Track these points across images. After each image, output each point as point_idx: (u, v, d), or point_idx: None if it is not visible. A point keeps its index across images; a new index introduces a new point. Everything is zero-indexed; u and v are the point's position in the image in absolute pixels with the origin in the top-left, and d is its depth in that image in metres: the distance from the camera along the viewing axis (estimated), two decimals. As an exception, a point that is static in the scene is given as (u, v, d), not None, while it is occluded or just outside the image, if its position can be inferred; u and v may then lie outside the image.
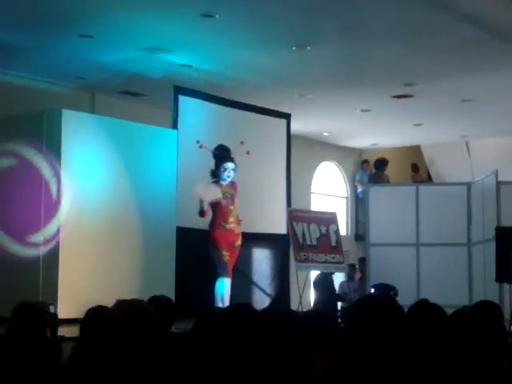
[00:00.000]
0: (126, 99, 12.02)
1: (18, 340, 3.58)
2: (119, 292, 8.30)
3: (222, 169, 10.08)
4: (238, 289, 11.02)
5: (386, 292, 9.93)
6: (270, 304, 10.98)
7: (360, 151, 17.25)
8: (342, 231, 15.12)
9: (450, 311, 5.14)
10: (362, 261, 12.81)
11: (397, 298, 10.13)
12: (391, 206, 12.33)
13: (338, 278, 13.18)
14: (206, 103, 11.10)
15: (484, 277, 10.96)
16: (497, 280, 10.11)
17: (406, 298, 7.50)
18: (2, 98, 10.25)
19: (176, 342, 2.68)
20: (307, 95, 12.20)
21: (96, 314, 3.52)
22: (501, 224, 10.44)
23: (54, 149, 8.92)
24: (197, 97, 10.90)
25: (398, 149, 17.16)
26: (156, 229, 9.78)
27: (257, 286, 11.43)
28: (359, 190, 16.75)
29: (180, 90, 10.65)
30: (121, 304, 2.61)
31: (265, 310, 3.23)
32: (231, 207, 10.00)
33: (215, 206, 9.94)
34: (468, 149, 17.11)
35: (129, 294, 2.87)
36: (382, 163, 16.80)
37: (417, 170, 17.28)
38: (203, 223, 10.37)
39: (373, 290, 10.75)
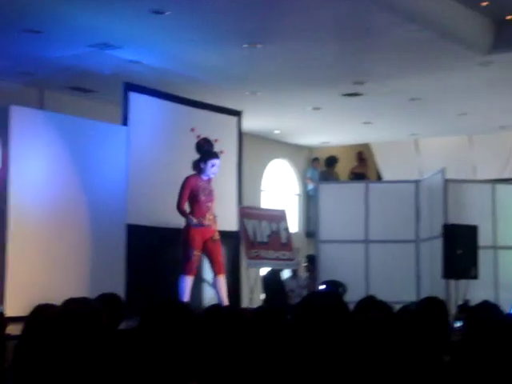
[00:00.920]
0: (76, 95, 11.92)
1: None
2: (68, 289, 8.29)
3: (210, 164, 9.62)
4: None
5: (335, 288, 10.02)
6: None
7: (311, 149, 17.37)
8: (294, 228, 15.20)
9: (398, 307, 5.24)
10: (310, 258, 12.90)
11: (346, 295, 10.27)
12: (341, 203, 12.42)
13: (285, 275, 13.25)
14: (157, 100, 11.05)
15: (431, 273, 11.12)
16: (443, 276, 10.26)
17: (355, 295, 7.56)
18: None
19: (123, 340, 2.67)
20: (258, 93, 12.25)
21: (42, 312, 3.50)
22: (448, 221, 10.60)
23: (2, 145, 8.81)
24: (147, 93, 10.84)
25: (349, 147, 17.32)
26: (106, 226, 9.73)
27: (208, 283, 11.42)
28: (310, 187, 16.87)
29: (130, 87, 10.59)
30: (69, 302, 2.60)
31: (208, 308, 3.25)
32: (209, 204, 9.64)
33: (193, 200, 9.53)
34: (417, 147, 17.35)
35: (78, 292, 2.87)
36: (332, 161, 16.96)
37: (362, 159, 17.34)
38: (155, 220, 10.34)
39: (322, 287, 10.84)
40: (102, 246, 9.63)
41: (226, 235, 11.88)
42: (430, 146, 17.13)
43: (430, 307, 3.82)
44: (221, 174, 11.96)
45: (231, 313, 3.06)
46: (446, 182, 11.00)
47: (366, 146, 17.45)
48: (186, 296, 9.54)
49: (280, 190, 17.03)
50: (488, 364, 2.05)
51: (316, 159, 17.28)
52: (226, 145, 12.04)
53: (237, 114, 12.38)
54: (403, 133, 15.71)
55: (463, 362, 2.16)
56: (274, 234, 12.31)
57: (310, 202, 16.79)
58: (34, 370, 2.47)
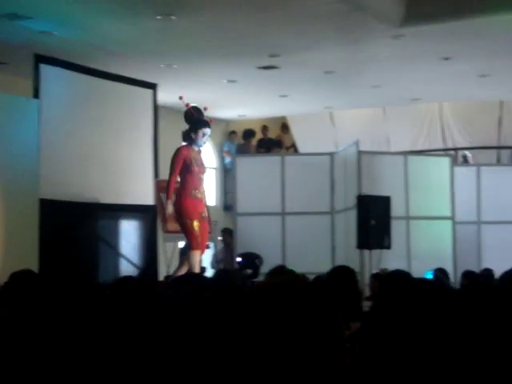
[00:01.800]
0: (-15, 67, 11.58)
1: None
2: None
3: (201, 133, 9.14)
4: (105, 260, 10.94)
5: (252, 260, 10.08)
6: (139, 274, 10.95)
7: (227, 122, 17.34)
8: (211, 202, 15.18)
9: (312, 278, 5.31)
10: (226, 231, 12.94)
11: (263, 266, 10.35)
12: (258, 176, 12.48)
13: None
14: (70, 72, 10.83)
15: (346, 244, 11.30)
16: (358, 247, 10.44)
17: (271, 266, 7.66)
18: None
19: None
20: (173, 65, 12.13)
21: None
22: (361, 193, 10.77)
23: None
24: (59, 66, 10.61)
25: (266, 119, 17.37)
26: (18, 201, 9.52)
27: (124, 257, 11.34)
28: (227, 160, 16.87)
29: (41, 59, 10.34)
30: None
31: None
32: (201, 175, 9.15)
33: (186, 171, 8.98)
34: (332, 120, 17.54)
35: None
36: (249, 134, 17.00)
37: (286, 130, 17.49)
38: (70, 195, 10.18)
39: (239, 259, 10.89)
40: (14, 222, 9.42)
41: (142, 209, 11.81)
42: (345, 119, 17.35)
43: (340, 276, 3.89)
44: (136, 147, 11.87)
45: (141, 283, 3.05)
46: (360, 153, 11.17)
47: (283, 119, 17.56)
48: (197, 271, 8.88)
49: (197, 163, 16.96)
50: (398, 327, 2.09)
51: (233, 132, 17.28)
52: (141, 118, 11.92)
53: (152, 86, 12.25)
54: (319, 106, 15.84)
55: (373, 327, 2.20)
56: (191, 208, 12.27)
57: (227, 175, 16.80)
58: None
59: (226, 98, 14.81)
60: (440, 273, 8.49)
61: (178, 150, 9.09)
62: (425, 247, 11.20)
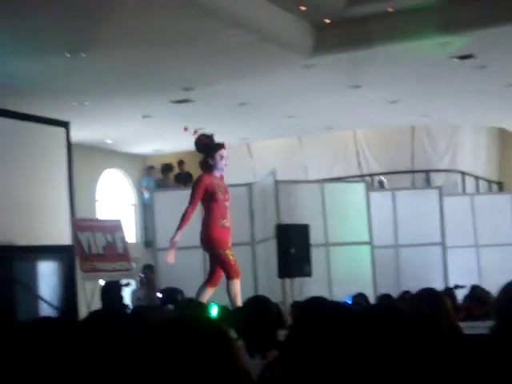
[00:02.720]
0: None
1: None
2: None
3: (219, 157, 8.37)
4: (24, 303, 10.67)
5: (173, 296, 9.97)
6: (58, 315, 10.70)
7: (144, 157, 17.24)
8: (131, 238, 15.03)
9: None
10: (148, 267, 12.81)
11: (184, 301, 10.20)
12: (177, 211, 12.37)
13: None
14: (-22, 113, 10.59)
15: (268, 274, 11.31)
16: (279, 276, 10.45)
17: (194, 300, 7.57)
18: None
19: None
20: (85, 102, 12.01)
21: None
22: (280, 222, 10.81)
23: None
24: (-33, 106, 10.37)
25: (183, 153, 17.31)
26: None
27: (42, 299, 11.08)
28: (146, 196, 16.73)
29: None
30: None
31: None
32: (227, 203, 8.40)
33: (211, 199, 8.35)
34: (249, 150, 17.64)
35: None
36: (167, 168, 16.93)
37: (182, 165, 17.22)
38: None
39: (160, 295, 10.75)
40: None
41: (59, 250, 11.59)
42: (262, 149, 17.46)
43: (254, 306, 3.88)
44: (51, 187, 11.66)
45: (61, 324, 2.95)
46: (277, 183, 11.23)
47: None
48: (239, 302, 8.29)
49: (115, 200, 16.79)
50: (313, 352, 2.09)
51: (151, 167, 17.18)
52: (54, 157, 11.73)
53: (64, 124, 12.08)
54: (235, 137, 15.89)
55: (289, 354, 2.19)
56: (110, 245, 12.11)
57: (146, 211, 16.66)
58: None
59: (140, 133, 14.75)
60: (360, 298, 8.56)
61: (200, 178, 8.49)
62: (345, 273, 11.29)
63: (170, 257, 8.86)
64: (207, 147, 8.60)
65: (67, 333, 3.29)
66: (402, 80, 12.21)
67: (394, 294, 9.51)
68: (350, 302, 7.82)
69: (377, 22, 10.30)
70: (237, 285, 8.44)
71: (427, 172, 17.02)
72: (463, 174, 17.37)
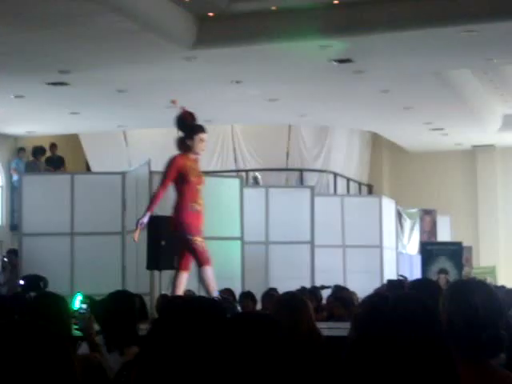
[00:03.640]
0: None
1: None
2: None
3: (198, 139, 7.90)
4: None
5: (36, 283, 9.70)
6: None
7: (16, 138, 16.70)
8: (-3, 221, 14.54)
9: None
10: (12, 252, 12.42)
11: (48, 289, 9.97)
12: (46, 195, 12.08)
13: None
14: None
15: (137, 265, 11.17)
16: (148, 268, 10.34)
17: (59, 288, 7.42)
18: None
19: None
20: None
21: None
22: (152, 213, 10.67)
23: None
24: None
25: (57, 136, 16.88)
26: None
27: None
28: (15, 178, 16.20)
29: None
30: None
31: None
32: (199, 186, 8.02)
33: (183, 181, 7.89)
34: (125, 139, 17.38)
35: None
36: (38, 151, 16.42)
37: (55, 148, 16.67)
38: None
39: (22, 282, 10.44)
40: None
41: None
42: (138, 138, 17.25)
43: (115, 301, 3.81)
44: None
45: None
46: (152, 173, 11.09)
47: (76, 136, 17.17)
48: (214, 289, 8.04)
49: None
50: (176, 348, 2.05)
51: (22, 149, 16.64)
52: None
53: None
54: (111, 124, 15.66)
55: (147, 353, 2.14)
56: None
57: (14, 193, 16.14)
58: None
59: (13, 113, 14.27)
60: (226, 293, 8.57)
61: (173, 159, 7.97)
62: (215, 267, 11.26)
63: (136, 236, 8.41)
64: (188, 127, 8.04)
65: None
66: (282, 79, 12.33)
67: (262, 290, 9.58)
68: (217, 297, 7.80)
69: (260, 20, 10.35)
70: (208, 272, 8.03)
71: (301, 171, 17.28)
72: (335, 174, 17.75)
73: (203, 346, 2.02)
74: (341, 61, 11.30)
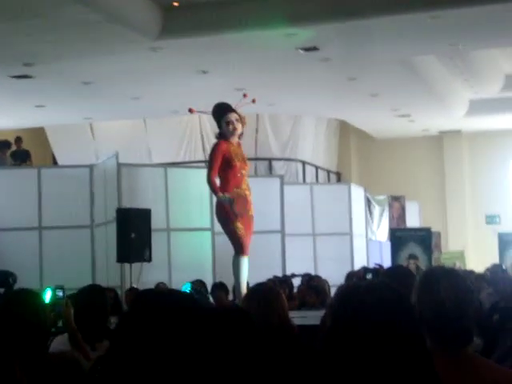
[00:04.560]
0: None
1: None
2: None
3: (224, 123, 7.60)
4: None
5: (4, 279, 9.58)
6: None
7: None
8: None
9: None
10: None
11: (17, 284, 9.86)
12: (13, 190, 11.95)
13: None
14: None
15: (107, 258, 11.10)
16: (118, 261, 10.29)
17: (28, 283, 7.30)
18: None
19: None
20: None
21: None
22: (122, 205, 10.63)
23: None
24: None
25: (22, 130, 16.69)
26: None
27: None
28: (-22, 173, 15.98)
29: None
30: None
31: None
32: (244, 171, 7.74)
33: (227, 166, 7.63)
34: (92, 131, 17.24)
35: None
36: (4, 145, 16.20)
37: (20, 142, 16.42)
38: None
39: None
40: None
41: None
42: (105, 130, 17.12)
43: (86, 296, 3.77)
44: None
45: None
46: (120, 166, 11.02)
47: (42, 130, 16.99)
48: (244, 279, 7.81)
49: None
50: (143, 341, 2.02)
51: (-14, 143, 16.42)
52: None
53: None
54: (77, 116, 15.52)
55: (119, 344, 2.10)
56: None
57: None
58: None
59: (-23, 107, 14.09)
60: (198, 284, 8.55)
61: (217, 144, 7.77)
62: (185, 259, 11.26)
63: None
64: (214, 115, 7.87)
65: None
66: (249, 68, 12.30)
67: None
68: (189, 289, 7.78)
69: (226, 9, 10.29)
70: (239, 261, 7.79)
71: (270, 160, 17.28)
72: (304, 163, 17.78)
73: (173, 340, 1.99)
74: (307, 49, 11.29)
